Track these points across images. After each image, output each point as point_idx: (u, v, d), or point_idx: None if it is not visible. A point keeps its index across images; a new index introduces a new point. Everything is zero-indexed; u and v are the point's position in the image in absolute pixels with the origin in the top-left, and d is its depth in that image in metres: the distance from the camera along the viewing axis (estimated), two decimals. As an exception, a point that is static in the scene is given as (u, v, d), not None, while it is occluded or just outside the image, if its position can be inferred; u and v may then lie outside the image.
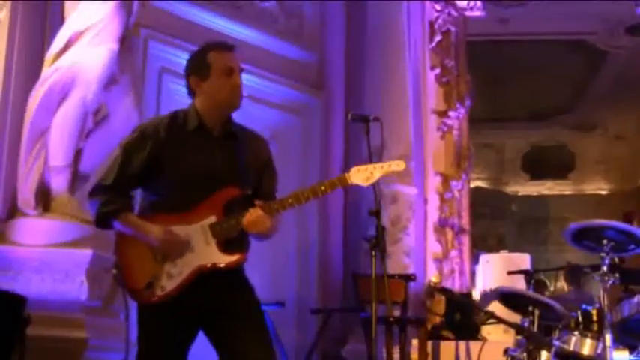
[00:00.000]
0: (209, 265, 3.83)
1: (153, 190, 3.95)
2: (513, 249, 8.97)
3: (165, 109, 4.15)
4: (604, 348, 5.11)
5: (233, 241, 3.90)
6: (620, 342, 5.30)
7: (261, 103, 7.14)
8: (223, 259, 3.85)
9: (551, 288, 10.42)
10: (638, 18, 9.02)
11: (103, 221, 3.90)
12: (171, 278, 3.82)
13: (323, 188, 3.93)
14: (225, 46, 3.97)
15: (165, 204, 3.89)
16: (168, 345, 3.91)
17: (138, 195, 3.98)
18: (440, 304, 7.03)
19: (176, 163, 3.91)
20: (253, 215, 3.87)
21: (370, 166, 4.05)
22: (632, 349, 5.30)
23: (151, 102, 6.54)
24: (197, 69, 3.96)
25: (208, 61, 3.92)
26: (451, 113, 8.15)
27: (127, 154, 3.91)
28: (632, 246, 5.36)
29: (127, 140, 3.97)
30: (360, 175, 4.03)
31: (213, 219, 3.87)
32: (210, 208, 3.90)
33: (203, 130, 3.97)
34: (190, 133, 3.96)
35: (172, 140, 3.94)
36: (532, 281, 6.61)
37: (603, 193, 15.86)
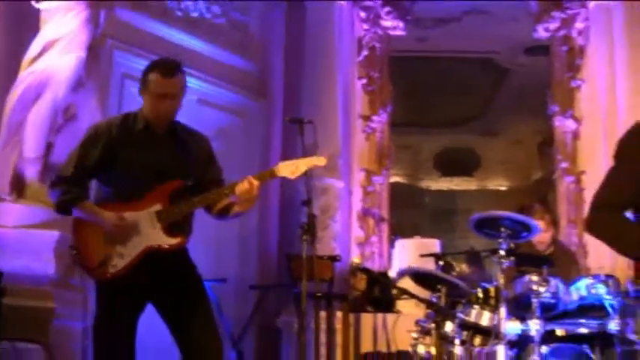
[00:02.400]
0: (155, 247, 3.88)
1: (106, 182, 4.02)
2: (426, 235, 9.04)
3: (126, 110, 4.19)
4: (499, 320, 5.23)
5: (177, 225, 3.96)
6: (513, 314, 5.41)
7: (209, 106, 7.17)
8: (167, 241, 3.91)
9: (457, 269, 10.53)
10: (535, 40, 9.18)
11: (62, 208, 3.96)
12: (122, 258, 3.86)
13: (253, 180, 3.99)
14: (166, 71, 3.92)
15: (117, 193, 3.97)
16: (121, 315, 3.96)
17: (94, 185, 4.04)
18: (361, 282, 7.10)
19: (126, 158, 3.97)
20: (246, 185, 3.93)
21: (296, 161, 4.13)
22: (522, 320, 5.40)
23: (113, 103, 6.54)
24: (141, 81, 3.99)
25: (148, 79, 3.94)
26: (375, 118, 8.24)
27: (83, 149, 3.97)
28: (525, 233, 5.49)
29: (84, 137, 4.02)
30: (287, 169, 4.11)
31: (158, 207, 3.93)
32: (157, 197, 3.95)
33: (149, 130, 4.01)
34: (138, 132, 4.00)
35: (123, 138, 3.98)
36: (441, 263, 6.71)
37: (503, 189, 16.03)
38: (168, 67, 3.95)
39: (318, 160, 4.23)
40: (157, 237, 3.90)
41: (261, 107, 7.80)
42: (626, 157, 3.24)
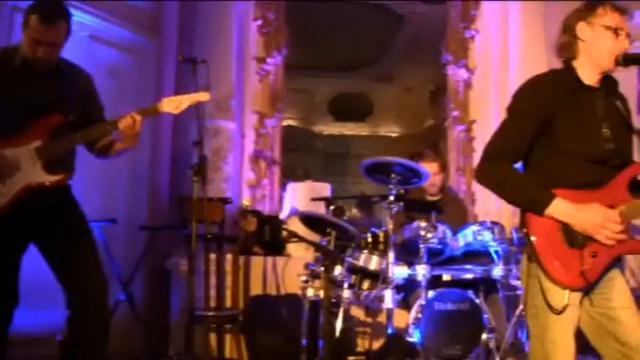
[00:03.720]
0: (35, 184, 3.78)
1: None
2: (317, 179, 9.10)
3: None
4: (387, 264, 5.31)
5: (58, 162, 3.86)
6: (400, 259, 5.50)
7: (101, 43, 6.95)
8: (48, 179, 3.81)
9: (348, 214, 10.66)
10: (432, -12, 9.23)
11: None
12: (2, 196, 3.74)
13: (135, 115, 3.92)
14: (46, 17, 3.74)
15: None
16: (3, 254, 3.84)
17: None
18: (251, 225, 7.09)
19: (3, 93, 3.82)
20: (128, 120, 3.84)
21: (179, 97, 4.09)
22: (410, 265, 5.50)
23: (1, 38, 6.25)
24: (23, 19, 3.83)
25: (28, 20, 3.77)
26: (269, 60, 8.15)
27: None
28: (415, 180, 5.56)
29: None
30: (171, 104, 4.06)
31: (38, 143, 3.82)
32: (36, 133, 3.83)
33: (27, 66, 3.86)
34: (16, 68, 3.85)
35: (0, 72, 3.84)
36: (331, 207, 6.76)
37: (395, 135, 16.23)
38: (50, 13, 3.76)
39: (202, 96, 4.19)
40: (36, 174, 3.79)
41: (155, 45, 7.61)
42: (518, 112, 3.33)
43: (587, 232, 3.15)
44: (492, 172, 3.30)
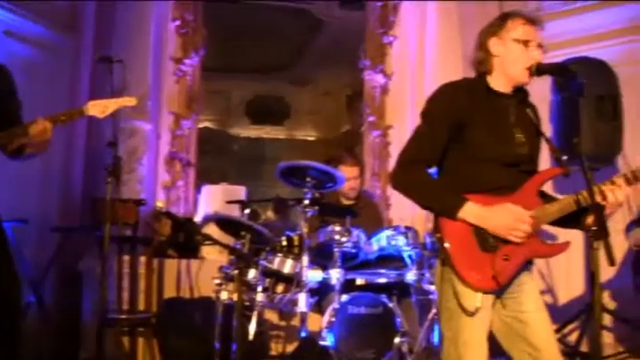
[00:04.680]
0: None
1: None
2: (233, 182, 9.06)
3: None
4: (301, 268, 5.32)
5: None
6: (315, 263, 5.52)
7: (15, 39, 6.81)
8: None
9: (264, 217, 10.65)
10: (349, -7, 9.28)
11: None
12: None
13: (63, 117, 3.87)
14: None
15: None
16: None
17: None
18: (166, 227, 7.04)
19: None
20: (40, 126, 3.77)
21: (105, 101, 4.05)
22: (324, 269, 5.53)
23: None
24: None
25: None
26: (186, 61, 8.11)
27: None
28: (330, 184, 5.60)
29: None
30: (96, 108, 4.02)
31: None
32: None
33: None
34: None
35: None
36: (247, 210, 6.74)
37: (311, 139, 16.27)
38: None
39: (129, 101, 4.16)
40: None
41: (71, 43, 7.48)
42: (431, 117, 3.39)
43: (499, 234, 3.22)
44: (406, 178, 3.34)
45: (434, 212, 3.36)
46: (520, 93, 3.49)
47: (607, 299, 6.64)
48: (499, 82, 3.43)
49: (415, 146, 3.38)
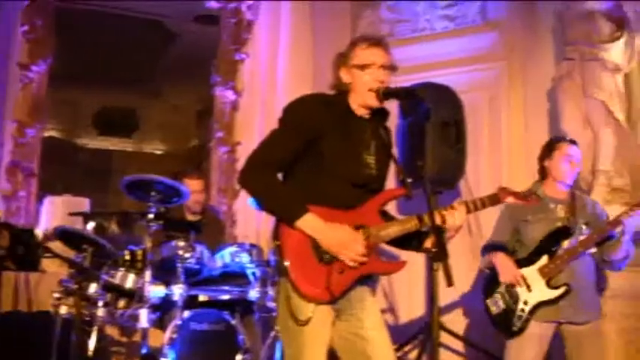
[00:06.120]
0: None
1: None
2: (79, 194, 8.82)
3: None
4: (144, 283, 5.25)
5: None
6: (158, 278, 5.45)
7: None
8: None
9: (109, 230, 10.42)
10: (206, 9, 9.21)
11: None
12: None
13: None
14: None
15: None
16: None
17: None
18: (5, 239, 6.78)
19: None
20: None
21: None
22: (167, 285, 5.47)
23: None
24: None
25: None
26: (34, 68, 7.85)
27: None
28: (176, 199, 5.56)
29: None
30: None
31: None
32: None
33: None
34: None
35: None
36: (90, 223, 6.60)
37: (159, 152, 16.09)
38: None
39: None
40: None
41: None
42: (288, 123, 3.42)
43: (332, 251, 3.26)
44: (255, 178, 3.36)
45: (275, 216, 3.38)
46: (379, 115, 3.56)
47: (459, 318, 6.85)
48: (356, 104, 3.50)
49: (267, 149, 3.41)
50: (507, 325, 4.89)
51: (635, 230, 4.80)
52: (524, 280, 4.85)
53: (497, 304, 4.96)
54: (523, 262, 4.91)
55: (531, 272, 4.85)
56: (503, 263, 4.96)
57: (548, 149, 5.09)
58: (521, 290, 4.86)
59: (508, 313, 4.88)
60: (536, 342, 4.81)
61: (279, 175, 3.43)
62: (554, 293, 4.76)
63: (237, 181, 4.28)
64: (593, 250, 4.86)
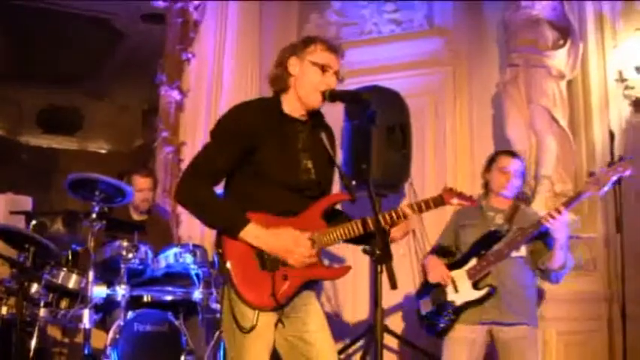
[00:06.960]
0: None
1: None
2: (21, 192, 8.68)
3: None
4: (87, 283, 5.19)
5: None
6: (101, 278, 5.40)
7: None
8: None
9: (53, 229, 10.26)
10: (153, 8, 9.12)
11: None
12: None
13: None
14: None
15: None
16: None
17: None
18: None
19: None
20: None
21: None
22: (110, 285, 5.42)
23: None
24: None
25: None
26: (-24, 65, 7.75)
27: None
28: (120, 198, 5.51)
29: None
30: None
31: None
32: None
33: None
34: None
35: None
36: (33, 222, 6.49)
37: (104, 152, 15.93)
38: None
39: None
40: None
41: None
42: (221, 135, 3.39)
43: (279, 257, 3.26)
44: (191, 193, 3.32)
45: (217, 230, 3.36)
46: (315, 118, 3.54)
47: (397, 320, 6.88)
48: (292, 104, 3.47)
49: (202, 162, 3.38)
50: (432, 324, 4.97)
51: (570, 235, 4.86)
52: (453, 281, 4.90)
53: (427, 304, 5.03)
54: (455, 265, 4.98)
55: (460, 274, 4.91)
56: (433, 264, 5.04)
57: (488, 163, 5.18)
58: (449, 291, 4.92)
59: (435, 313, 4.94)
60: (466, 346, 4.85)
61: (220, 186, 3.41)
62: (479, 294, 4.82)
63: (173, 198, 4.21)
64: (523, 254, 4.90)
